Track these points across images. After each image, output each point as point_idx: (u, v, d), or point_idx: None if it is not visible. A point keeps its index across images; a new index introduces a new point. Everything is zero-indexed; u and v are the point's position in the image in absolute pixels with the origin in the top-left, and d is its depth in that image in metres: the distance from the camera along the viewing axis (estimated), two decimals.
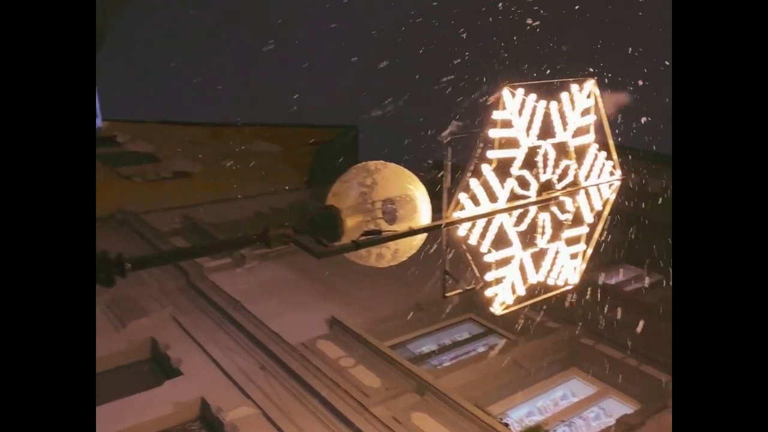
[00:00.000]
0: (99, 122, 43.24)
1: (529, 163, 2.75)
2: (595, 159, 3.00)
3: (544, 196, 2.82)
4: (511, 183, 2.71)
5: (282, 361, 5.99)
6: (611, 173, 3.08)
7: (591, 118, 2.96)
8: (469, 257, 2.72)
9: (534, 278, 2.93)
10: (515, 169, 2.72)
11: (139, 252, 8.30)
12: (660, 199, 6.59)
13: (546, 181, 2.85)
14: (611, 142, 3.04)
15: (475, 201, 2.64)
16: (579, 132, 2.92)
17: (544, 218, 2.89)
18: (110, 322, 6.81)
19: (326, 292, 7.61)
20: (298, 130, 13.89)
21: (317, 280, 7.81)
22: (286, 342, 6.25)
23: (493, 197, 2.67)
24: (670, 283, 3.04)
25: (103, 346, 6.41)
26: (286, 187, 11.57)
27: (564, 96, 2.83)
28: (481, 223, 2.69)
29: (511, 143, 2.70)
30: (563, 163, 2.89)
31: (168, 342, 6.43)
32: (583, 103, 2.91)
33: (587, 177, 3.01)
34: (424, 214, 2.65)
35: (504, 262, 2.79)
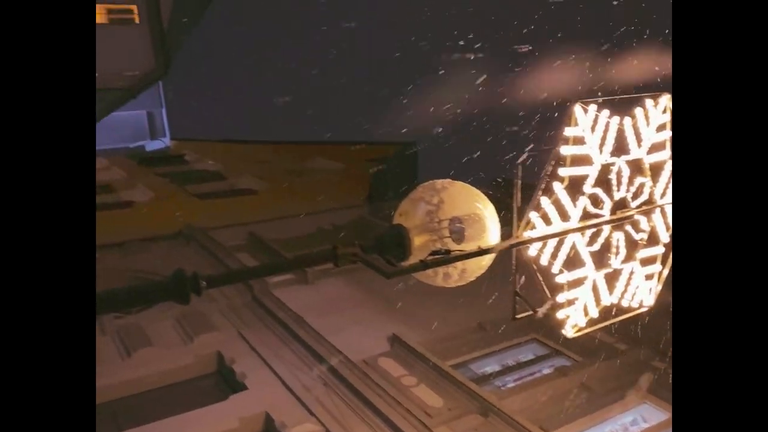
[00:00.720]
0: (167, 141, 45.01)
1: (603, 180, 2.67)
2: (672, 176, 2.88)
3: (618, 215, 2.73)
4: (584, 201, 2.63)
5: (344, 377, 6.01)
6: None
7: (667, 134, 2.85)
8: (540, 278, 2.65)
9: (607, 300, 2.82)
10: (588, 187, 2.64)
11: (207, 267, 8.58)
12: None
13: (620, 200, 2.75)
14: None
15: (547, 220, 2.58)
16: (654, 148, 2.81)
17: (618, 238, 2.78)
18: (179, 337, 7.02)
19: (387, 309, 7.60)
20: (359, 147, 14.04)
21: (379, 296, 7.83)
22: (348, 358, 6.27)
23: (564, 216, 2.59)
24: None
25: (171, 360, 6.62)
26: (347, 204, 11.69)
27: (638, 111, 2.73)
28: (552, 243, 2.61)
29: (584, 160, 2.62)
30: (638, 180, 2.79)
31: (233, 356, 6.57)
32: (658, 118, 2.80)
33: (663, 195, 2.89)
34: (493, 234, 2.60)
35: (576, 283, 2.70)
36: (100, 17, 27.61)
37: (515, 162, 2.59)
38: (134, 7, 27.45)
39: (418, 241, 2.63)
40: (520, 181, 2.56)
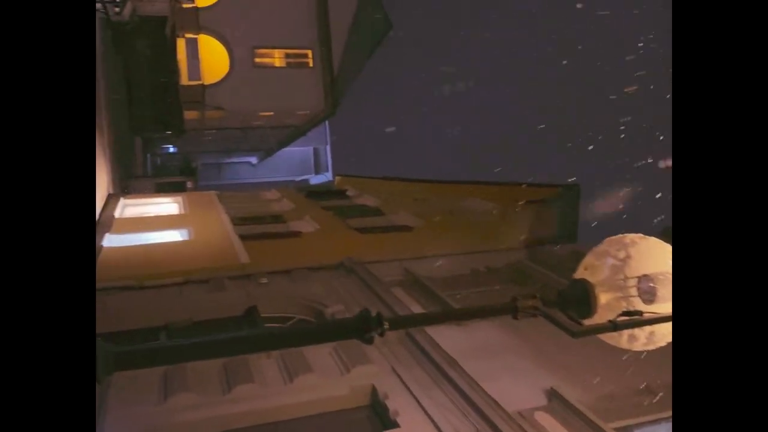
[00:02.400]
0: (330, 176, 47.50)
1: None
2: None
3: None
4: None
5: (498, 428, 5.80)
6: None
7: None
8: None
9: None
10: None
11: (364, 300, 8.81)
12: None
13: None
14: None
15: None
16: None
17: None
18: (336, 366, 7.26)
19: (544, 359, 7.27)
20: (517, 188, 13.78)
21: (534, 345, 7.51)
22: (503, 409, 6.06)
23: None
24: None
25: (327, 389, 6.85)
26: (503, 246, 11.48)
27: None
28: None
29: None
30: None
31: (387, 392, 6.64)
32: None
33: None
34: None
35: None
36: (279, 60, 30.31)
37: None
38: (310, 52, 29.78)
39: (603, 298, 2.49)
40: None
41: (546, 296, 2.44)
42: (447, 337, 7.83)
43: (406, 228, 13.18)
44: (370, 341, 2.18)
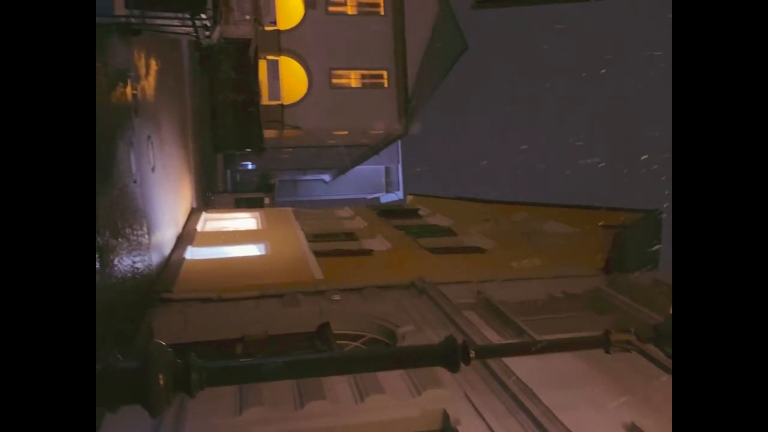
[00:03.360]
0: (401, 195, 47.70)
1: None
2: None
3: None
4: None
5: None
6: None
7: None
8: None
9: None
10: None
11: (436, 322, 8.69)
12: None
13: None
14: None
15: None
16: None
17: None
18: (407, 388, 7.20)
19: (626, 391, 6.91)
20: (596, 212, 13.34)
21: (616, 376, 7.17)
22: None
23: None
24: None
25: (398, 410, 6.80)
26: (581, 272, 11.10)
27: None
28: None
29: None
30: None
31: (459, 417, 6.52)
32: None
33: None
34: None
35: None
36: (355, 81, 30.91)
37: None
38: (385, 72, 30.23)
39: None
40: None
41: (641, 331, 2.32)
42: (522, 363, 7.61)
43: (478, 249, 13.00)
44: (455, 369, 2.14)
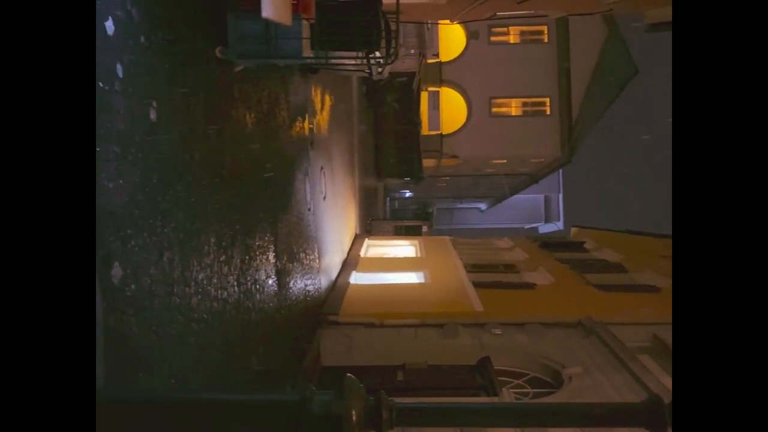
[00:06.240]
0: (561, 225, 45.69)
1: None
2: None
3: None
4: None
5: None
6: None
7: None
8: None
9: None
10: None
11: (607, 366, 8.09)
12: None
13: None
14: None
15: None
16: None
17: None
18: None
19: None
20: None
21: None
22: None
23: None
24: None
25: None
26: None
27: None
28: None
29: None
30: None
31: None
32: None
33: None
34: None
35: None
36: (515, 109, 30.54)
37: None
38: (548, 100, 29.51)
39: None
40: None
41: None
42: None
43: (653, 289, 11.98)
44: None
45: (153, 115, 3.84)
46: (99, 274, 3.08)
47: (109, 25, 3.43)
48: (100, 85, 3.27)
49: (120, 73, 3.48)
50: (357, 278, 12.71)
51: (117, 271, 3.27)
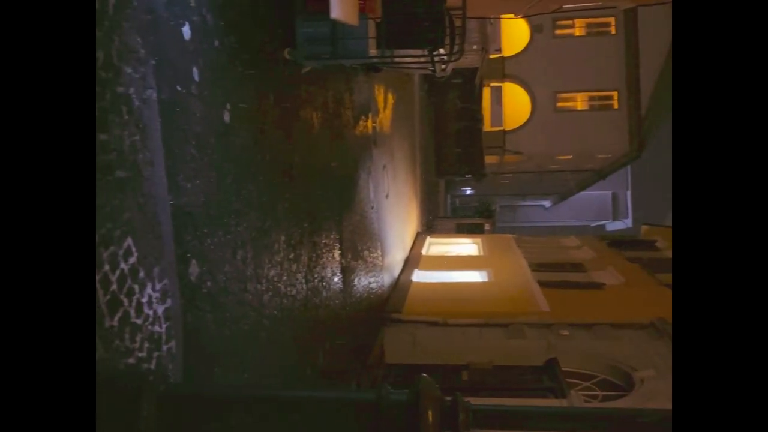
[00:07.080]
0: (629, 223, 44.19)
1: None
2: None
3: None
4: None
5: None
6: None
7: None
8: None
9: None
10: None
11: None
12: None
13: None
14: None
15: None
16: None
17: None
18: None
19: None
20: None
21: None
22: None
23: None
24: None
25: None
26: None
27: None
28: None
29: None
30: None
31: None
32: None
33: None
34: None
35: None
36: (581, 104, 29.69)
37: None
38: (615, 93, 28.54)
39: None
40: None
41: None
42: None
43: None
44: None
45: (227, 117, 3.95)
46: (178, 271, 3.20)
47: (186, 31, 3.54)
48: (178, 88, 3.39)
49: (196, 77, 3.59)
50: (419, 276, 12.69)
51: (194, 269, 3.39)
